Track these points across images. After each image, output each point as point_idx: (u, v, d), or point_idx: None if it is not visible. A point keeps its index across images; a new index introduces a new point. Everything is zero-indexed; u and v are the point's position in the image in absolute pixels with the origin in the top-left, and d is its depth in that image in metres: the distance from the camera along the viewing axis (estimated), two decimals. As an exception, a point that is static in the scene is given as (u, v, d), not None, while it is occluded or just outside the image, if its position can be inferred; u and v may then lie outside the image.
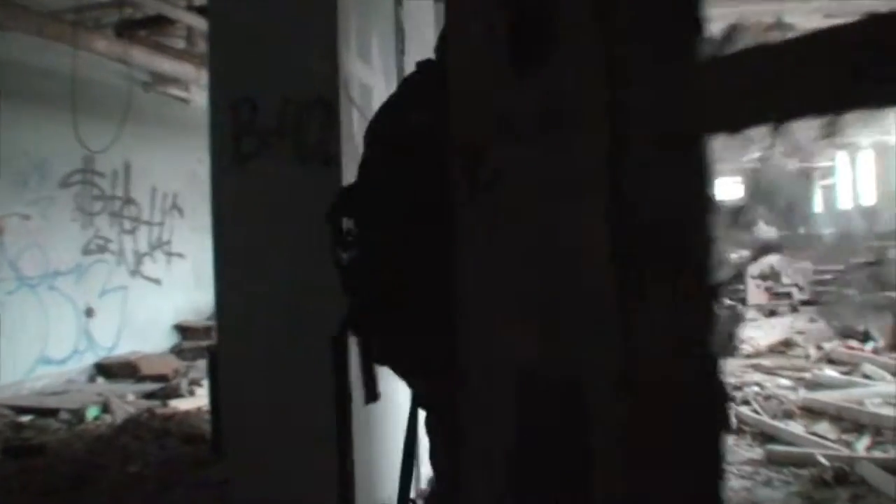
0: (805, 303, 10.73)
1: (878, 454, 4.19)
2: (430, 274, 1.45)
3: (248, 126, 3.13)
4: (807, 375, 6.13)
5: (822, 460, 3.90)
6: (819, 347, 7.25)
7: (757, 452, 4.28)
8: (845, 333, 7.90)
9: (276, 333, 3.06)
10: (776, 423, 4.80)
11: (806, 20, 9.16)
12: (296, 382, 3.00)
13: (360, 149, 3.11)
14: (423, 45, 4.25)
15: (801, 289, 10.81)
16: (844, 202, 24.81)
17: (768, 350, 7.52)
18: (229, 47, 3.20)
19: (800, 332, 8.53)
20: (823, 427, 4.76)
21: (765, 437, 4.61)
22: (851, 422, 4.80)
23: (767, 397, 5.61)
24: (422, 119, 1.62)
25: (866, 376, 6.04)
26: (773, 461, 4.07)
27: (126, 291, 8.15)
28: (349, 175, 3.11)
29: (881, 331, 7.49)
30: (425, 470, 3.61)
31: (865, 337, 7.59)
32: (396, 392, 2.39)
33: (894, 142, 18.79)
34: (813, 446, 4.27)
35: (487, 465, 1.18)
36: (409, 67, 3.95)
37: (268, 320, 3.08)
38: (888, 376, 5.95)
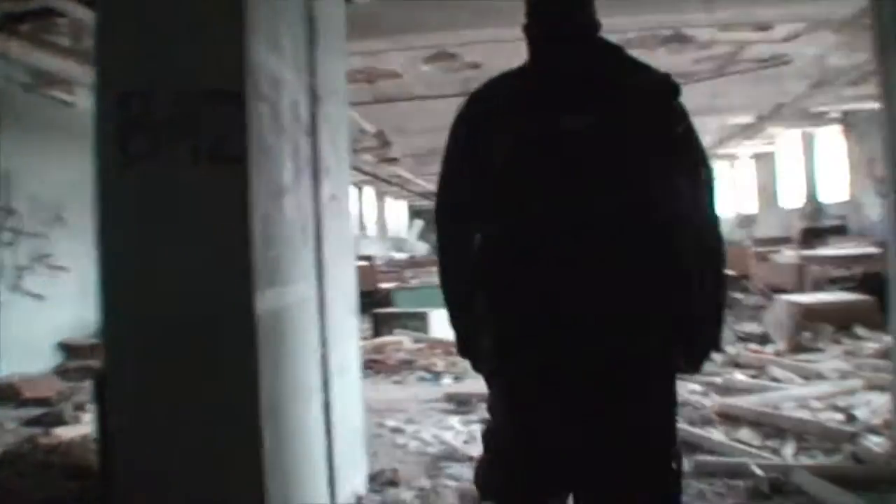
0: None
1: (806, 461, 4.17)
2: None
3: (138, 123, 2.80)
4: (717, 380, 6.14)
5: (757, 470, 3.83)
6: (724, 351, 7.32)
7: (684, 464, 4.17)
8: (745, 337, 8.05)
9: (168, 350, 2.76)
10: (698, 431, 4.74)
11: (707, 33, 9.33)
12: (192, 403, 2.73)
13: (270, 148, 2.86)
14: (335, 38, 4.02)
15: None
16: (724, 210, 25.83)
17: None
18: (118, 32, 2.86)
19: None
20: (745, 434, 4.74)
21: (688, 446, 4.51)
22: (772, 427, 4.80)
23: (682, 404, 5.58)
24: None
25: (775, 379, 6.11)
26: (703, 473, 3.98)
27: (5, 308, 7.52)
28: (257, 178, 2.85)
29: (780, 334, 7.66)
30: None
31: (764, 340, 7.75)
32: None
33: (774, 151, 19.67)
34: (742, 455, 4.22)
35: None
36: (322, 61, 3.72)
37: (159, 337, 2.78)
38: (797, 379, 6.04)
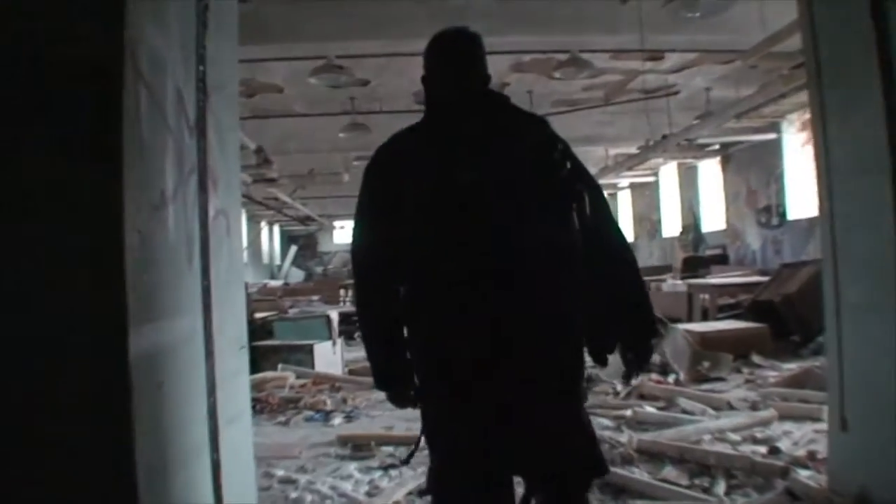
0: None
1: (740, 500, 3.90)
2: None
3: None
4: (626, 413, 5.82)
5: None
6: (627, 383, 7.04)
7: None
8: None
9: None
10: (621, 471, 4.35)
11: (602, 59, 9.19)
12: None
13: (150, 145, 2.28)
14: (228, 25, 3.43)
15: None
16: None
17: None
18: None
19: (594, 367, 8.36)
20: (670, 472, 4.38)
21: (613, 489, 4.14)
22: (697, 464, 4.47)
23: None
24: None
25: (685, 411, 5.84)
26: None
27: None
28: (131, 175, 2.24)
29: (680, 364, 7.46)
30: None
31: (664, 370, 7.53)
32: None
33: (654, 181, 20.08)
34: (674, 497, 3.87)
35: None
36: (213, 48, 3.11)
37: None
38: (709, 410, 5.78)
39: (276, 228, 33.62)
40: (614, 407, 6.22)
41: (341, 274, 27.49)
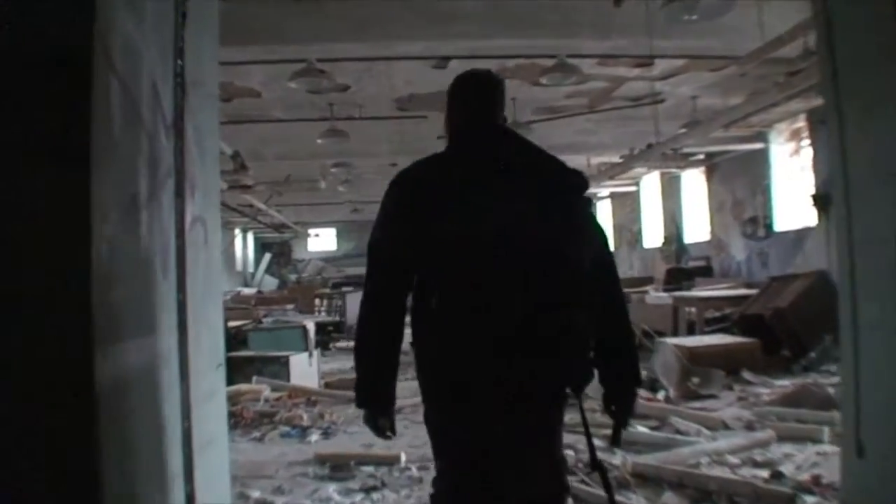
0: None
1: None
2: None
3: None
4: (618, 433, 5.60)
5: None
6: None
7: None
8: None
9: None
10: (619, 499, 4.12)
11: (590, 65, 9.01)
12: None
13: (122, 143, 2.06)
14: (208, 16, 3.19)
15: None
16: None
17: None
18: None
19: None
20: (670, 499, 4.18)
21: (611, 517, 3.90)
22: (697, 489, 4.26)
23: (589, 464, 4.99)
24: None
25: (679, 432, 5.63)
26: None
27: None
28: (100, 178, 1.99)
29: (670, 380, 7.27)
30: None
31: (653, 386, 7.33)
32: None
33: (636, 190, 19.97)
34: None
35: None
36: (192, 42, 2.86)
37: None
38: (704, 430, 5.58)
39: (251, 235, 33.13)
40: (603, 425, 5.99)
41: (315, 282, 27.14)
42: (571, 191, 2.31)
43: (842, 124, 3.37)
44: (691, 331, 10.03)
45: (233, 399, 7.43)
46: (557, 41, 7.62)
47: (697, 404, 6.70)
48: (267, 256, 32.01)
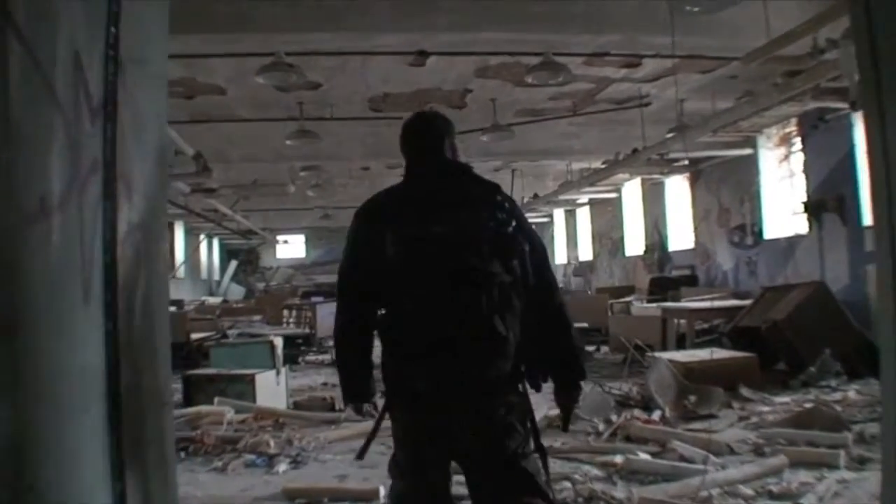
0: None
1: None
2: None
3: None
4: (616, 460, 5.09)
5: None
6: (608, 420, 6.31)
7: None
8: (623, 401, 7.13)
9: None
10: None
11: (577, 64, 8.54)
12: None
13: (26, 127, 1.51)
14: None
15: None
16: (560, 258, 25.75)
17: (545, 424, 6.47)
18: None
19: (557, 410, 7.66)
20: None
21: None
22: (718, 530, 3.76)
23: (590, 499, 4.48)
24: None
25: (684, 458, 5.12)
26: None
27: None
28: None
29: (665, 399, 6.78)
30: None
31: (646, 405, 6.84)
32: None
33: (616, 197, 19.54)
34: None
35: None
36: (132, 8, 2.31)
37: None
38: (711, 457, 5.06)
39: (216, 242, 32.27)
40: (599, 451, 5.49)
41: (284, 290, 26.44)
42: (496, 210, 2.62)
43: (884, 122, 2.90)
44: (680, 344, 9.58)
45: (193, 422, 6.83)
46: (545, 36, 7.14)
47: (697, 425, 6.22)
48: (233, 264, 31.20)
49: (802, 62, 6.75)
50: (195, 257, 28.01)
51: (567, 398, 2.72)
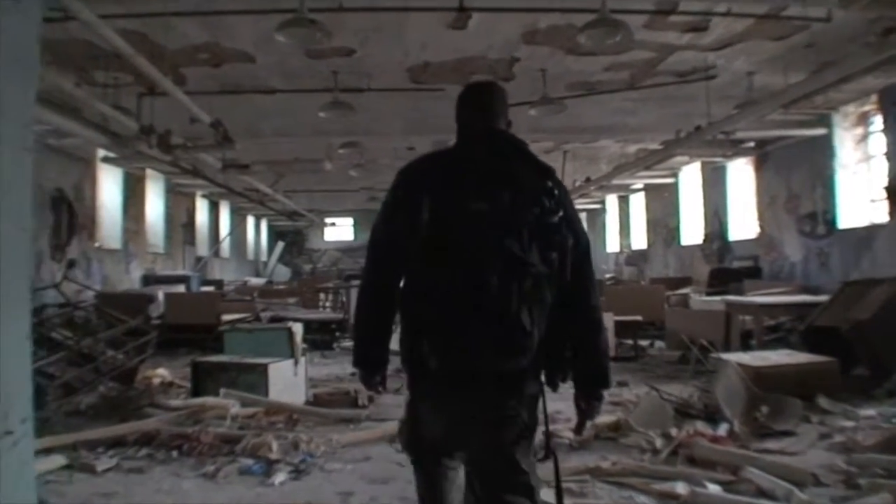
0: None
1: None
2: None
3: None
4: (679, 490, 4.20)
5: None
6: (666, 435, 5.41)
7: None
8: (683, 410, 6.20)
9: None
10: None
11: (640, 22, 7.58)
12: None
13: None
14: None
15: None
16: (612, 246, 24.65)
17: (592, 436, 5.59)
18: None
19: (616, 404, 6.78)
20: None
21: None
22: None
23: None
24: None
25: (763, 492, 4.20)
26: None
27: None
28: None
29: (734, 410, 5.83)
30: None
31: (712, 417, 5.90)
32: None
33: (673, 182, 18.41)
34: None
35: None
36: None
37: None
38: (796, 492, 4.11)
39: (264, 223, 31.93)
40: (656, 475, 4.59)
41: (331, 273, 25.87)
42: (548, 194, 2.46)
43: None
44: (745, 344, 8.57)
45: (196, 415, 6.13)
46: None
47: (772, 444, 5.28)
48: (280, 245, 30.75)
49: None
50: (241, 237, 27.65)
51: (588, 404, 2.60)
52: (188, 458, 5.17)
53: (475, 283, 2.33)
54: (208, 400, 6.43)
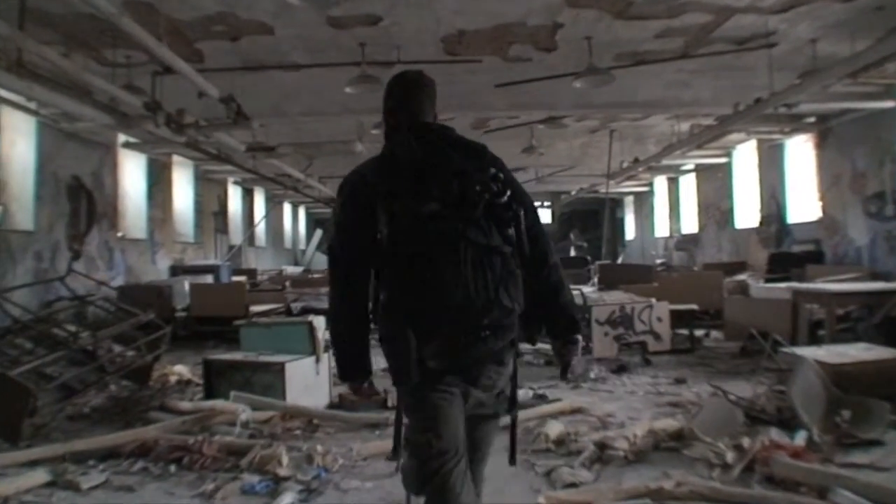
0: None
1: None
2: None
3: None
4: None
5: None
6: (738, 447, 4.65)
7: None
8: (751, 412, 5.44)
9: None
10: None
11: None
12: None
13: None
14: None
15: (658, 338, 8.37)
16: (661, 230, 23.73)
17: (650, 446, 4.88)
18: None
19: (675, 405, 6.07)
20: None
21: None
22: None
23: None
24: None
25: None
26: None
27: None
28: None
29: (812, 413, 5.06)
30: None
31: (787, 423, 5.12)
32: None
33: (727, 161, 17.42)
34: None
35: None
36: None
37: None
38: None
39: (302, 210, 31.50)
40: (731, 500, 3.84)
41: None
42: (491, 176, 2.50)
43: None
44: (813, 336, 7.74)
45: (205, 421, 5.54)
46: None
47: (858, 456, 4.52)
48: (318, 233, 30.26)
49: None
50: (277, 225, 27.20)
51: (566, 349, 2.71)
52: (187, 473, 4.58)
53: (454, 283, 2.38)
54: (218, 403, 5.83)
